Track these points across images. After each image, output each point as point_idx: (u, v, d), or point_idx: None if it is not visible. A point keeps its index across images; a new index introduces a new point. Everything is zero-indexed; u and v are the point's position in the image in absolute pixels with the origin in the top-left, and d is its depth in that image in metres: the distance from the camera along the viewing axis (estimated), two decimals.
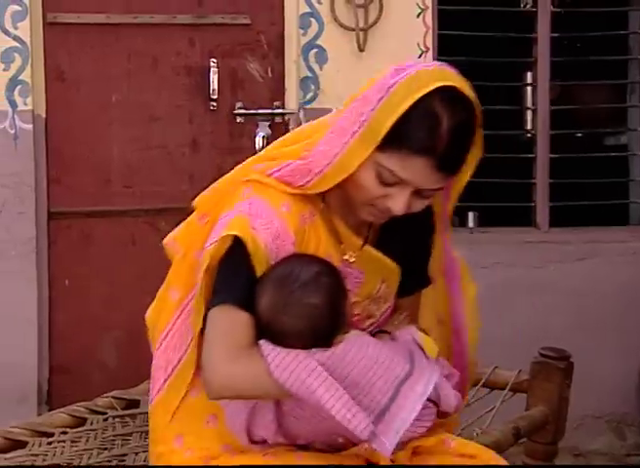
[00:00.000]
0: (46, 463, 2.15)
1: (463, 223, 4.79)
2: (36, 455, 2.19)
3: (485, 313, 4.33)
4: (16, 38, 3.97)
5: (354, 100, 1.76)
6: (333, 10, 4.17)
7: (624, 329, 4.35)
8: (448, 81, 1.70)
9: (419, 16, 4.25)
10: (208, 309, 1.75)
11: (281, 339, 1.71)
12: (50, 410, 3.78)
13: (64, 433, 2.30)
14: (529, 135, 4.64)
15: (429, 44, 4.26)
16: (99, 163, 4.13)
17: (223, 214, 1.79)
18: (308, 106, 4.20)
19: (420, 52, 4.25)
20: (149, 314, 1.97)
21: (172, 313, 1.89)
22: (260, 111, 4.19)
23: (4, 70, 3.97)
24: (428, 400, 1.76)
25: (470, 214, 4.78)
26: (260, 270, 1.74)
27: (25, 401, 4.03)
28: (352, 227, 1.87)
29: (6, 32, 3.96)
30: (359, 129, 1.70)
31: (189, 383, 1.86)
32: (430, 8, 4.27)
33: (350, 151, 1.71)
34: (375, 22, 4.20)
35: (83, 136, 4.14)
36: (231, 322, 1.71)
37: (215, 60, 4.08)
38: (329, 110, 4.18)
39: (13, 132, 3.99)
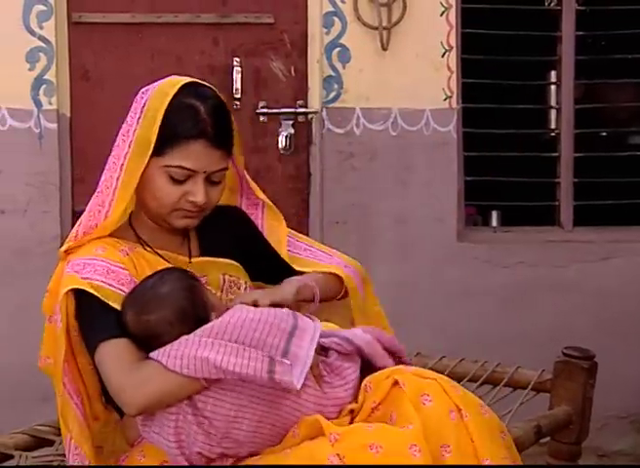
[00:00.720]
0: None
1: (486, 222, 4.79)
2: (63, 455, 2.22)
3: (508, 313, 4.39)
4: (41, 38, 4.01)
5: (120, 130, 2.00)
6: (356, 9, 4.18)
7: None
8: (185, 80, 1.98)
9: (442, 14, 4.25)
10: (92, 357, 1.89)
11: (161, 340, 1.81)
12: None
13: None
14: (553, 133, 4.63)
15: (453, 42, 4.26)
16: None
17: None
18: (331, 105, 4.21)
19: (443, 50, 4.25)
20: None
21: (67, 410, 1.99)
22: (284, 110, 4.21)
23: (29, 70, 4.01)
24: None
25: (493, 213, 4.79)
26: (112, 303, 1.87)
27: (50, 399, 4.04)
28: (173, 249, 2.04)
29: (31, 32, 4.00)
30: (129, 149, 1.94)
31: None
32: (454, 6, 4.26)
33: (128, 169, 1.94)
34: (398, 21, 4.20)
35: (107, 136, 4.10)
36: (114, 350, 1.84)
37: (238, 59, 4.10)
38: (352, 109, 4.21)
39: (38, 131, 4.03)
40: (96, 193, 1.98)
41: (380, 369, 1.89)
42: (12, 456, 2.23)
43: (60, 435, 2.30)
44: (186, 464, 1.81)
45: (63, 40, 4.09)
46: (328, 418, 1.80)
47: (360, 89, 4.22)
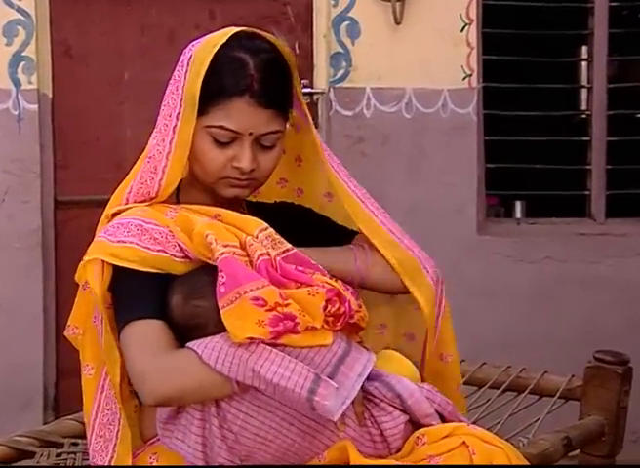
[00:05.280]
0: None
1: (510, 214, 4.79)
2: None
3: (533, 312, 4.38)
4: (19, 10, 4.01)
5: (168, 88, 1.94)
6: None
7: None
8: (237, 29, 1.92)
9: None
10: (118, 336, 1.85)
11: (203, 331, 1.79)
12: (56, 417, 3.81)
13: (75, 444, 2.33)
14: (584, 115, 4.62)
15: (473, 15, 4.26)
16: (110, 146, 4.17)
17: None
18: (339, 85, 4.21)
19: (463, 24, 4.24)
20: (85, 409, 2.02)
21: (93, 391, 1.95)
22: None
23: (7, 45, 4.01)
24: (398, 409, 1.84)
25: (518, 204, 4.79)
26: (150, 267, 1.84)
27: (30, 406, 4.08)
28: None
29: (9, 3, 4.01)
30: (181, 107, 1.90)
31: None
32: None
33: (182, 130, 1.90)
34: None
35: (93, 117, 4.17)
36: (145, 331, 1.81)
37: None
38: (361, 89, 4.20)
39: (16, 113, 4.03)
40: (147, 158, 1.95)
41: (423, 425, 1.87)
42: None
43: (40, 446, 2.31)
44: None
45: (44, 12, 4.09)
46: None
47: (371, 67, 4.22)
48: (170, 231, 1.86)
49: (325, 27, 4.20)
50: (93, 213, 4.23)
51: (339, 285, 1.85)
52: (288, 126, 2.01)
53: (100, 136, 4.16)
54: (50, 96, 4.13)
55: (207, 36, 1.93)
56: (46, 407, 4.13)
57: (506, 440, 2.02)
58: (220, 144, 1.90)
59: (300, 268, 1.84)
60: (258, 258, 1.81)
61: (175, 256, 1.85)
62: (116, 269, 1.86)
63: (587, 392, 2.58)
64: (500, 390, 2.75)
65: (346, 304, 1.82)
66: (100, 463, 1.92)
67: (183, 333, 1.82)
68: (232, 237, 1.84)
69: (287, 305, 1.74)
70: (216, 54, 1.87)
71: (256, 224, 1.89)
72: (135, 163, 2.02)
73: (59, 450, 2.32)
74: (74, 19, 4.15)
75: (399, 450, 1.84)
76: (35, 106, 4.05)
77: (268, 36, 1.95)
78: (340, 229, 2.14)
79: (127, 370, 1.83)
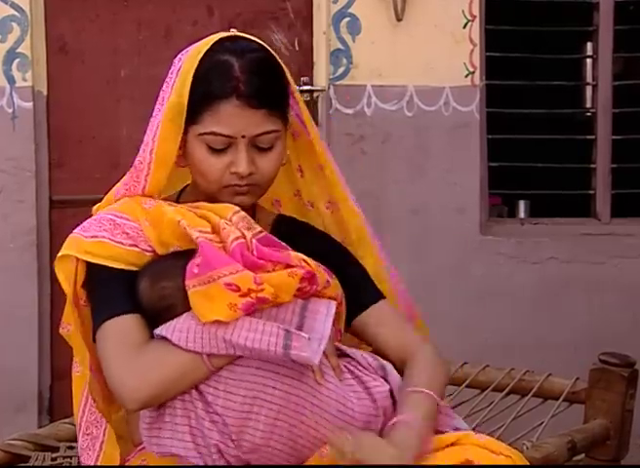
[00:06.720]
0: None
1: (513, 213, 4.79)
2: None
3: (537, 314, 4.38)
4: (13, 5, 4.01)
5: (158, 98, 1.96)
6: None
7: None
8: (223, 34, 1.95)
9: None
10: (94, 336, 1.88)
11: (174, 312, 1.82)
12: (51, 421, 3.81)
13: (71, 448, 2.33)
14: (588, 113, 4.63)
15: (476, 11, 4.26)
16: (106, 145, 4.17)
17: None
18: (339, 82, 4.21)
19: (465, 21, 4.24)
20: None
21: (81, 388, 1.97)
22: None
23: (0, 42, 4.01)
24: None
25: (521, 203, 4.79)
26: (124, 263, 1.87)
27: (24, 410, 4.08)
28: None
29: None
30: (162, 117, 1.91)
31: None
32: None
33: (161, 138, 1.92)
34: None
35: (89, 115, 4.17)
36: (117, 331, 1.84)
37: (235, 31, 4.10)
38: (362, 87, 4.20)
39: (11, 110, 4.03)
40: (133, 166, 1.97)
41: None
42: None
43: (35, 450, 2.31)
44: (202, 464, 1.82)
45: (39, 8, 4.08)
46: (352, 424, 1.81)
47: (372, 64, 4.22)
48: (140, 226, 1.89)
49: (325, 24, 4.20)
50: (88, 212, 4.22)
51: (313, 264, 1.88)
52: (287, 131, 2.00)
53: (96, 134, 4.16)
54: (45, 93, 4.12)
55: (193, 44, 1.95)
56: (41, 410, 4.13)
57: (510, 444, 2.02)
58: (216, 151, 1.90)
59: (275, 248, 1.87)
60: (231, 243, 1.83)
61: (146, 251, 1.88)
62: (89, 266, 1.89)
63: (592, 395, 2.58)
64: (504, 393, 2.75)
65: (314, 286, 1.86)
66: (87, 462, 1.94)
67: (154, 317, 1.85)
68: (204, 223, 1.87)
69: (261, 290, 1.76)
70: (201, 60, 1.89)
71: (229, 208, 1.91)
72: (131, 162, 2.03)
73: (54, 454, 2.31)
74: (70, 15, 4.15)
75: (390, 419, 1.83)
76: (30, 104, 4.05)
77: (253, 38, 1.97)
78: (369, 287, 2.09)
79: (105, 376, 1.85)
